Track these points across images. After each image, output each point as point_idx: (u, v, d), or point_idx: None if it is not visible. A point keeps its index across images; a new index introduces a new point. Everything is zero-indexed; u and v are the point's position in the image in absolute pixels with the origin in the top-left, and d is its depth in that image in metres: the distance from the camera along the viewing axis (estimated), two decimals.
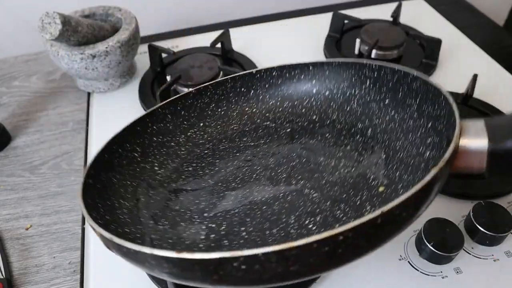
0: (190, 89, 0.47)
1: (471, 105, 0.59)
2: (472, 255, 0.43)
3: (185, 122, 0.47)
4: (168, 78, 0.63)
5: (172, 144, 0.46)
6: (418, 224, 0.44)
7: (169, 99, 0.46)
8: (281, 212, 0.36)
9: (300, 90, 0.47)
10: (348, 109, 0.46)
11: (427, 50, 0.67)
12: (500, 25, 0.78)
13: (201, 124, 0.47)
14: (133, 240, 0.33)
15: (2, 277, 0.45)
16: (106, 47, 0.59)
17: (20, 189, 0.54)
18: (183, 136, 0.46)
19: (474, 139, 0.29)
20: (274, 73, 0.47)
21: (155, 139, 0.45)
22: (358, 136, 0.43)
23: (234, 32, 0.72)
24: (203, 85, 0.47)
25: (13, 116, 0.64)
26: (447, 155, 0.27)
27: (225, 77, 0.48)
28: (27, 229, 0.50)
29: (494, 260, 0.42)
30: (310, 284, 0.42)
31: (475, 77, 0.58)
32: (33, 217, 0.51)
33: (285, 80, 0.47)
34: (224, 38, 0.69)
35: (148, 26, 0.73)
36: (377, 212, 0.24)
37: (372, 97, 0.44)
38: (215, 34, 0.71)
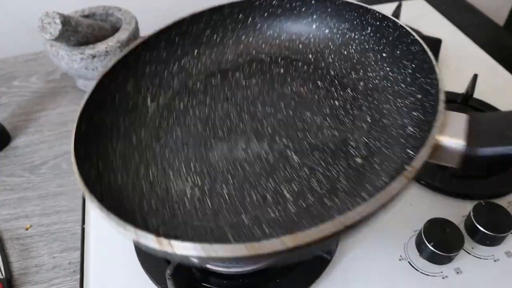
0: (185, 16, 0.45)
1: (471, 105, 0.59)
2: (473, 255, 0.43)
3: (179, 50, 0.46)
4: None
5: (165, 73, 0.45)
6: (418, 224, 0.44)
7: (163, 27, 0.44)
8: (262, 174, 0.37)
9: (300, 24, 0.47)
10: (345, 53, 0.45)
11: None
12: (501, 25, 0.78)
13: (195, 52, 0.47)
14: (125, 190, 0.36)
15: (2, 277, 0.45)
16: (106, 47, 0.59)
17: (20, 189, 0.54)
18: (176, 64, 0.46)
19: (452, 139, 0.29)
20: (274, 2, 0.46)
21: (147, 68, 0.44)
22: (349, 89, 0.42)
23: None
24: (199, 11, 0.45)
25: (13, 116, 0.64)
26: (418, 162, 0.27)
27: (223, 3, 0.46)
28: (27, 229, 0.50)
29: (495, 260, 0.42)
30: (310, 284, 0.42)
31: (475, 77, 0.58)
32: (33, 217, 0.51)
33: (285, 11, 0.46)
34: None
35: (148, 26, 0.72)
36: (339, 226, 0.25)
37: (371, 45, 0.44)
38: None
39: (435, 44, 0.66)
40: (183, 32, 0.45)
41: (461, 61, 0.68)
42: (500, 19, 0.79)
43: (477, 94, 0.59)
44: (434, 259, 0.42)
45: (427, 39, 0.68)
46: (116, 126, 0.40)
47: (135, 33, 0.63)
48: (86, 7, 0.66)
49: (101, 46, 0.59)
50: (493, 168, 0.51)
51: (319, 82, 0.44)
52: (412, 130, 0.36)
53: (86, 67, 0.60)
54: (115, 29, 0.64)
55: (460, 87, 0.61)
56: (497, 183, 0.49)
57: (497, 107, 0.59)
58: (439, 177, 0.49)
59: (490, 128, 0.30)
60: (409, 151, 0.35)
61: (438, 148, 0.29)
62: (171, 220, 0.34)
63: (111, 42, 0.59)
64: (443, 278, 0.42)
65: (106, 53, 0.59)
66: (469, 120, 0.30)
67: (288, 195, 0.35)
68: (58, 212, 0.51)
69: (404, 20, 0.75)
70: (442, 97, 0.31)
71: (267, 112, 0.42)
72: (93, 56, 0.59)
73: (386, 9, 0.75)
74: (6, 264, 0.46)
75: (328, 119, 0.41)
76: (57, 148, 0.59)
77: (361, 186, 0.35)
